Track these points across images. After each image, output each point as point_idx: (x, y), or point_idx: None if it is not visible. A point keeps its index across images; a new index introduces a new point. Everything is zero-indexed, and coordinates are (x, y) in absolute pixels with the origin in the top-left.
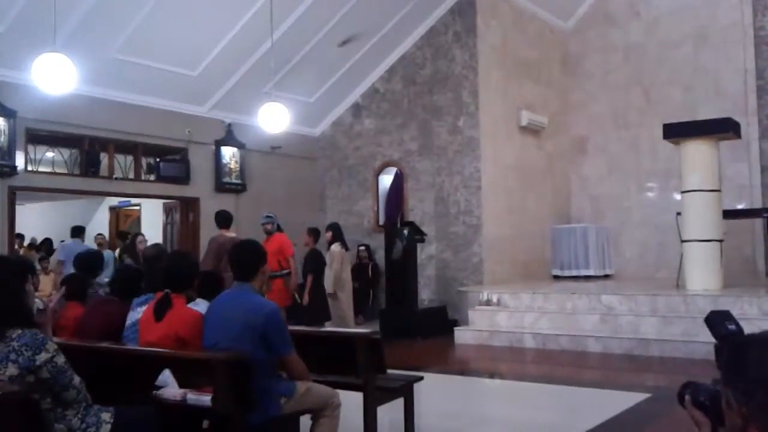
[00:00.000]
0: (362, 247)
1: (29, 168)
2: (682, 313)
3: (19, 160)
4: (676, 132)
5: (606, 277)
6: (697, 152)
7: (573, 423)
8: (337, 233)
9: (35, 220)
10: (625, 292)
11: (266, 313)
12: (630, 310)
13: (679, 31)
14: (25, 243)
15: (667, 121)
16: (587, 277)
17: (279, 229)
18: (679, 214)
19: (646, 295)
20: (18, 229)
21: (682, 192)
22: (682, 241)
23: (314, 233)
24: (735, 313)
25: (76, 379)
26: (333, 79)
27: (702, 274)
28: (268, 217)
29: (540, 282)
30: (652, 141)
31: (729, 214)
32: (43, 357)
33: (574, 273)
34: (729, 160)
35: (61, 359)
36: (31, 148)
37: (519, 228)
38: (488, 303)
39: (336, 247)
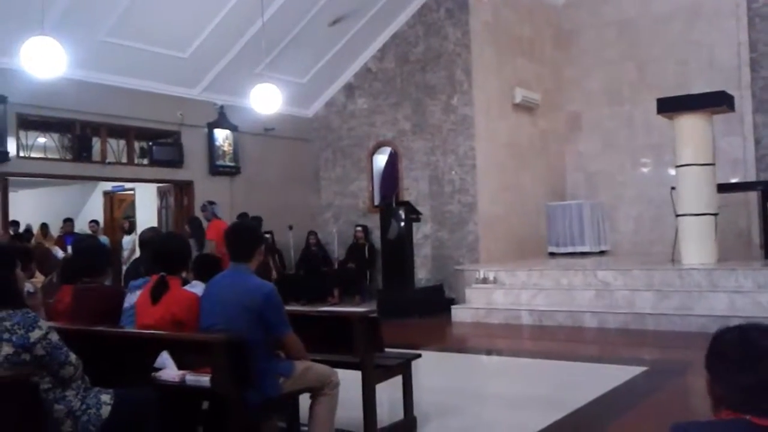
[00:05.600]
0: (359, 228)
1: (21, 154)
2: (677, 287)
3: (11, 146)
4: (670, 106)
5: (601, 253)
6: (691, 126)
7: (570, 397)
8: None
9: (29, 207)
10: (621, 268)
11: (264, 294)
12: (625, 285)
13: (672, 5)
14: (21, 230)
15: (661, 96)
16: (583, 254)
17: (216, 216)
18: (673, 188)
19: (642, 269)
20: (13, 216)
21: (677, 166)
22: (677, 216)
23: (244, 218)
24: (730, 286)
25: (72, 356)
26: (325, 59)
27: (697, 248)
28: (203, 205)
29: (536, 259)
30: (646, 116)
31: (723, 188)
32: (36, 334)
33: (570, 249)
34: (723, 133)
35: (54, 336)
36: (22, 133)
37: (514, 206)
38: (484, 281)
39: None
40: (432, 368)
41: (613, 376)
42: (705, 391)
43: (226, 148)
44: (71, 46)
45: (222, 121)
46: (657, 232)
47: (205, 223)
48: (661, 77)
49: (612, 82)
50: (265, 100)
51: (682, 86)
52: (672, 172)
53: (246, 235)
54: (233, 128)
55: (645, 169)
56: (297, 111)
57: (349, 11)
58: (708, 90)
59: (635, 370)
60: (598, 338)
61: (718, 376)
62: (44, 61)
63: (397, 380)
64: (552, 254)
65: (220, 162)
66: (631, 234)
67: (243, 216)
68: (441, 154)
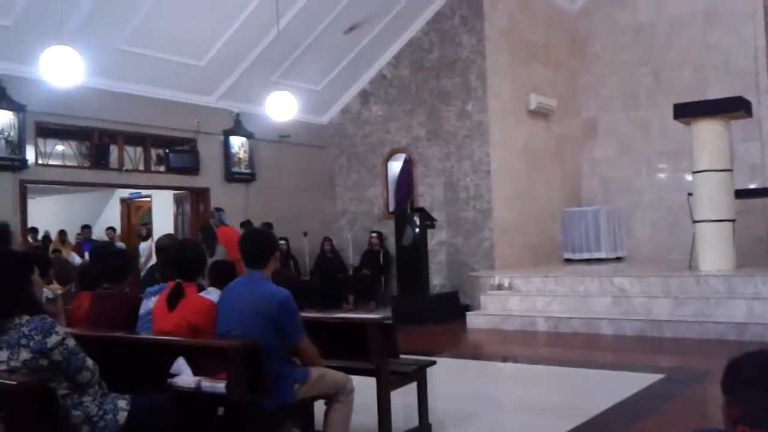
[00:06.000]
0: (374, 234)
1: (39, 161)
2: (694, 294)
3: (30, 154)
4: (687, 112)
5: (618, 259)
6: (708, 132)
7: (587, 405)
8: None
9: (48, 214)
10: (638, 274)
11: (278, 300)
12: (642, 292)
13: (688, 9)
14: (39, 237)
15: (677, 101)
16: (599, 260)
17: (223, 223)
18: (690, 194)
19: (659, 276)
20: (31, 223)
21: (694, 172)
22: (694, 222)
23: (249, 226)
24: (748, 292)
25: (89, 362)
26: (340, 66)
27: (715, 254)
28: (211, 212)
29: (551, 265)
30: (663, 121)
31: (741, 194)
32: (53, 339)
33: (586, 256)
34: (740, 139)
35: (71, 342)
36: (40, 141)
37: (529, 212)
38: (500, 287)
39: None
40: (447, 375)
41: (629, 383)
42: (723, 398)
43: (241, 155)
44: (89, 55)
45: (238, 128)
46: (674, 238)
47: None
48: (677, 82)
49: (628, 88)
50: (281, 107)
51: (698, 91)
52: (689, 177)
53: (260, 242)
54: (249, 135)
55: (662, 175)
56: (312, 118)
57: (364, 19)
58: (725, 95)
59: (652, 378)
60: (615, 345)
61: (740, 398)
62: (62, 69)
63: (412, 387)
64: (568, 260)
65: (235, 169)
66: (647, 240)
67: (247, 224)
68: (456, 160)
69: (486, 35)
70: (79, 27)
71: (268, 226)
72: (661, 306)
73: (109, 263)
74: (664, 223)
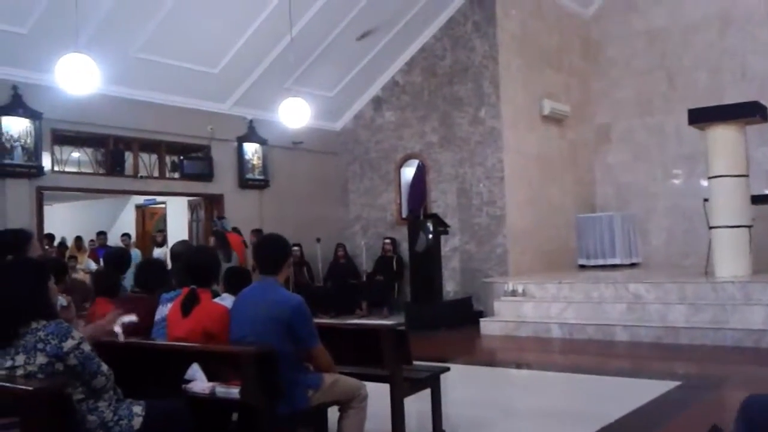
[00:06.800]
0: (387, 240)
1: (56, 168)
2: (711, 301)
3: (46, 161)
4: (702, 117)
5: (633, 265)
6: (724, 137)
7: (602, 412)
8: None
9: (64, 220)
10: (653, 280)
11: (292, 306)
12: (658, 299)
13: (703, 13)
14: (55, 243)
15: (692, 106)
16: (614, 266)
17: (225, 229)
18: (706, 200)
19: (674, 282)
20: (48, 230)
21: (709, 178)
22: (710, 228)
23: (259, 234)
24: (765, 299)
25: (104, 366)
26: (353, 72)
27: (731, 260)
28: (213, 221)
29: (565, 272)
30: (678, 127)
31: (757, 199)
32: (69, 344)
33: (600, 262)
34: (756, 144)
35: (87, 346)
36: (57, 148)
37: (543, 218)
38: (513, 293)
39: None
40: (461, 381)
41: (645, 390)
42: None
43: (255, 162)
44: (104, 63)
45: (251, 134)
46: (690, 244)
47: None
48: (692, 87)
49: (642, 93)
50: (294, 113)
51: (714, 96)
52: (704, 183)
53: (274, 248)
54: (262, 142)
55: (677, 181)
56: (325, 124)
57: (377, 25)
58: (740, 100)
59: (668, 385)
60: (630, 352)
61: None
62: (78, 77)
63: (426, 393)
64: (582, 267)
65: (249, 175)
66: (663, 246)
67: (258, 232)
68: (469, 166)
69: (499, 41)
70: (95, 35)
71: (258, 232)
72: (677, 313)
73: (150, 272)
74: (679, 229)
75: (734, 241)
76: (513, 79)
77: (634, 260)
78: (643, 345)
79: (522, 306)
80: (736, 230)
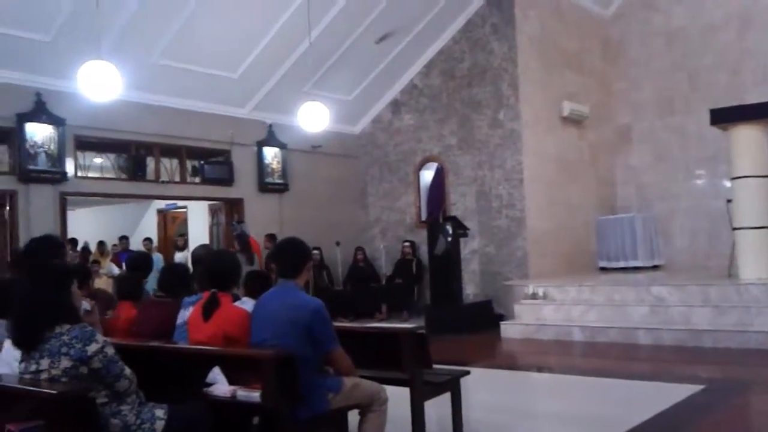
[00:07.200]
0: (406, 243)
1: (79, 174)
2: (735, 303)
3: (69, 167)
4: (724, 117)
5: (655, 267)
6: (746, 137)
7: (625, 416)
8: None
9: (86, 225)
10: (676, 283)
11: (312, 310)
12: (681, 301)
13: (723, 13)
14: (78, 248)
15: (713, 107)
16: (635, 268)
17: (245, 233)
18: (729, 201)
19: (698, 285)
20: (71, 234)
21: (732, 178)
22: (734, 229)
23: (273, 239)
24: None
25: (127, 370)
26: (371, 76)
27: (755, 262)
28: (233, 225)
29: (586, 274)
30: (699, 127)
31: None
32: (93, 348)
33: (622, 264)
34: None
35: (110, 350)
36: (80, 154)
37: (563, 220)
38: (534, 296)
39: None
40: (481, 385)
41: (668, 394)
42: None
43: (274, 166)
44: (126, 69)
45: (271, 139)
46: (713, 245)
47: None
48: (713, 87)
49: (662, 93)
50: (313, 117)
51: (735, 96)
52: (727, 183)
53: (293, 252)
54: (282, 146)
55: (699, 182)
56: (344, 128)
57: (395, 28)
58: (763, 99)
59: (692, 389)
60: (653, 355)
61: None
62: (100, 84)
63: (446, 397)
64: (603, 269)
65: (269, 179)
66: (685, 248)
67: (272, 237)
68: (488, 169)
69: (517, 43)
70: (116, 42)
71: (272, 237)
72: (701, 315)
73: (175, 276)
74: (702, 231)
75: (759, 242)
76: (532, 80)
77: (656, 262)
78: (665, 348)
79: (542, 309)
80: (760, 231)
